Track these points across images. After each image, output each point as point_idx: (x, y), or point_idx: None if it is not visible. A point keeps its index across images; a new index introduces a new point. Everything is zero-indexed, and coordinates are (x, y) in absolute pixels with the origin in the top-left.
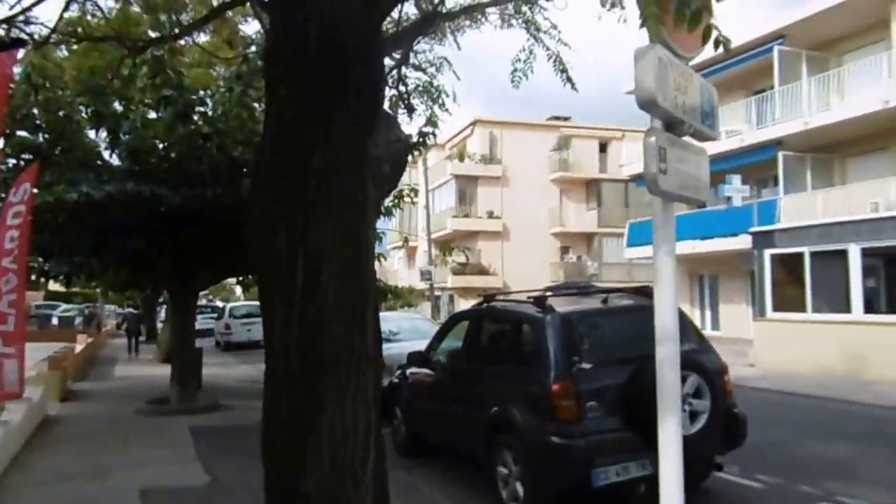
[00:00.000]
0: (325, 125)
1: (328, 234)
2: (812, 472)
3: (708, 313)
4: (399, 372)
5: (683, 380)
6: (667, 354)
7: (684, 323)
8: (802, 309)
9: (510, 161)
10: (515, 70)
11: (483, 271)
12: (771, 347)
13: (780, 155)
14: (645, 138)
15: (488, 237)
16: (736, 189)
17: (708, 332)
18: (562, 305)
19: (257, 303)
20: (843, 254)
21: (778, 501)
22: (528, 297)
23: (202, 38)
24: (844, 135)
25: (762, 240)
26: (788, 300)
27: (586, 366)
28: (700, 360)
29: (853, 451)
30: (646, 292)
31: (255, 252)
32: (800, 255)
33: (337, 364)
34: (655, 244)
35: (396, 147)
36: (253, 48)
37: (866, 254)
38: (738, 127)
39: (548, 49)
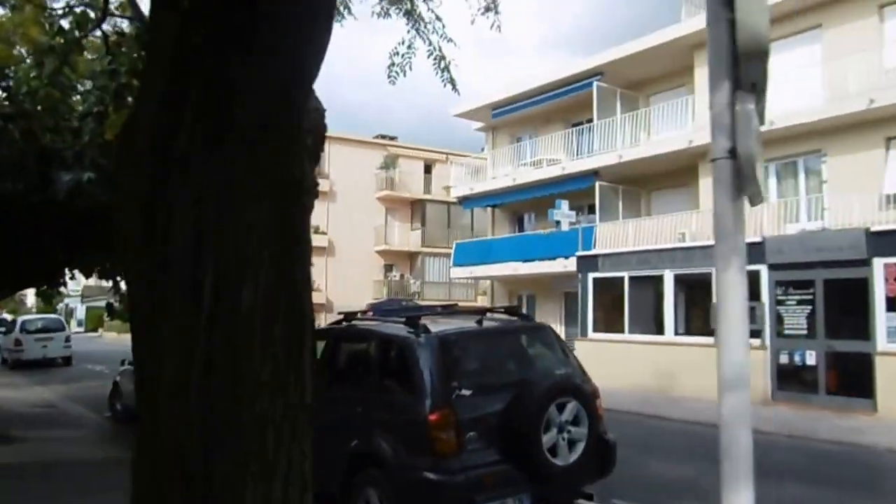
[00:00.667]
0: (243, 61)
1: (250, 231)
2: (664, 492)
3: None
4: None
5: (563, 406)
6: (737, 404)
7: (558, 343)
8: (621, 329)
9: (337, 176)
10: (393, 64)
11: None
12: (592, 366)
13: (597, 184)
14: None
15: (313, 253)
16: (564, 214)
17: None
18: (435, 326)
19: (54, 316)
20: (658, 279)
21: None
22: (400, 317)
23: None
24: (651, 170)
25: (586, 263)
26: (609, 321)
27: (465, 392)
28: (578, 385)
29: (692, 468)
30: (515, 312)
31: (129, 259)
32: (620, 279)
33: (261, 429)
34: (723, 257)
35: (315, 117)
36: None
37: (678, 279)
38: (557, 156)
39: (430, 44)
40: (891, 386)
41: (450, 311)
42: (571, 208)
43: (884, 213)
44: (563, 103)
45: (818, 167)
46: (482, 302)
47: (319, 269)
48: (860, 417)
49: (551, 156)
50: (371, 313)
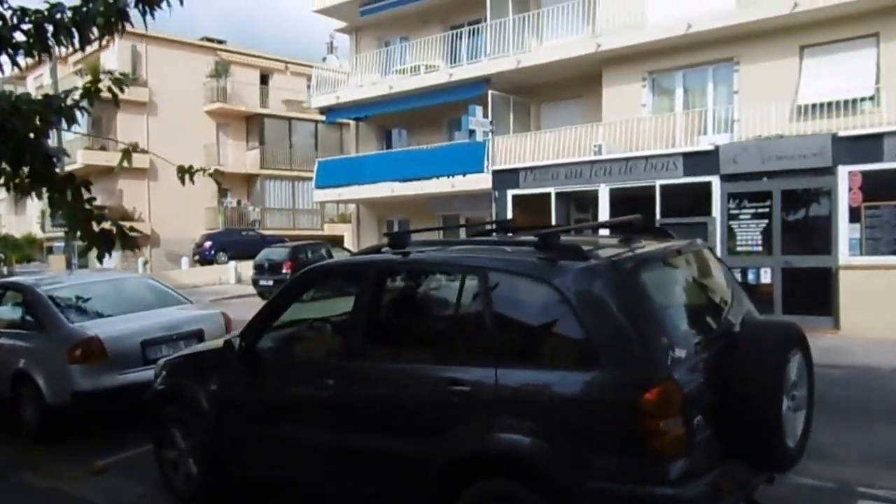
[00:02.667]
0: None
1: None
2: None
3: None
4: (166, 373)
5: (787, 361)
6: None
7: (724, 267)
8: None
9: (158, 85)
10: None
11: (126, 216)
12: None
13: (490, 94)
14: None
15: (131, 175)
16: (479, 122)
17: None
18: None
19: None
20: (591, 195)
21: None
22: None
23: None
24: (545, 78)
25: (503, 179)
26: None
27: (680, 353)
28: (799, 329)
29: None
30: (663, 232)
31: None
32: (545, 197)
33: None
34: None
35: None
36: None
37: (616, 195)
38: (435, 62)
39: None
40: (853, 301)
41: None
42: (455, 120)
43: (795, 124)
44: (443, 1)
45: (730, 77)
46: (343, 232)
47: (140, 195)
48: (824, 336)
49: (428, 61)
50: (209, 243)
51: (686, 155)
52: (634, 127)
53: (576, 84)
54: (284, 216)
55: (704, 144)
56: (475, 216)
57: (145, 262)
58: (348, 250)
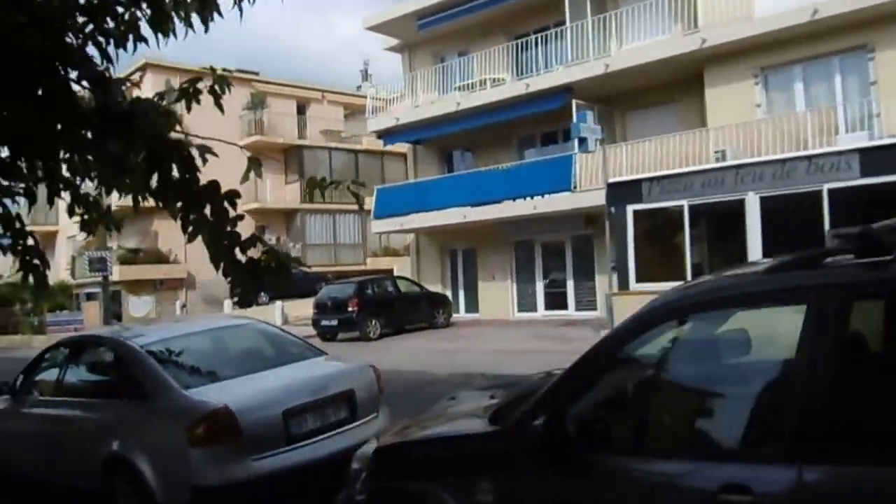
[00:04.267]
0: None
1: None
2: None
3: (461, 294)
4: (372, 471)
5: None
6: None
7: None
8: (680, 276)
9: (192, 119)
10: None
11: (161, 258)
12: None
13: (574, 104)
14: None
15: (165, 215)
16: (590, 128)
17: (462, 315)
18: None
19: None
20: (736, 206)
21: None
22: None
23: None
24: (633, 84)
25: (620, 193)
26: (659, 267)
27: None
28: None
29: None
30: None
31: None
32: (676, 211)
33: None
34: None
35: None
36: None
37: (768, 204)
38: (501, 75)
39: None
40: None
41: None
42: (527, 137)
43: None
44: (507, 10)
45: (863, 67)
46: (398, 265)
47: (175, 236)
48: None
49: (494, 74)
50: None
51: (863, 151)
52: (753, 129)
53: (668, 88)
54: (326, 251)
55: (844, 143)
56: (553, 240)
57: (183, 306)
58: (416, 283)
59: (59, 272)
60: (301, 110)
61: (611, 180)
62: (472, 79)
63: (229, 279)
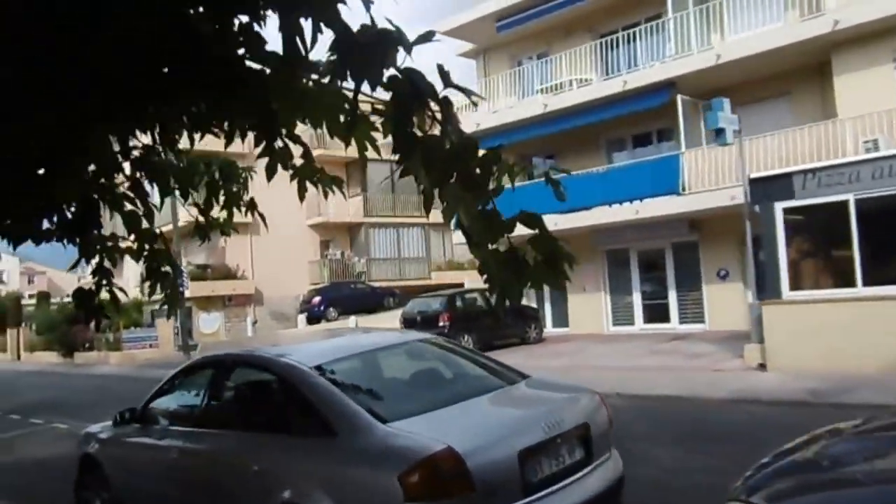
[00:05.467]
0: None
1: None
2: None
3: (548, 307)
4: None
5: None
6: None
7: None
8: (848, 282)
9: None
10: None
11: (230, 274)
12: (792, 340)
13: (679, 99)
14: None
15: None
16: (728, 118)
17: (551, 330)
18: None
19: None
20: None
21: None
22: None
23: None
24: (744, 75)
25: (768, 189)
26: (819, 273)
27: None
28: None
29: None
30: None
31: None
32: (840, 207)
33: None
34: None
35: None
36: None
37: None
38: (586, 75)
39: None
40: None
41: None
42: (616, 140)
43: None
44: (593, 8)
45: None
46: (469, 279)
47: (243, 251)
48: None
49: (579, 75)
50: (318, 299)
51: None
52: None
53: (781, 79)
54: (390, 266)
55: None
56: (651, 247)
57: (254, 322)
58: None
59: (129, 288)
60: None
61: (753, 175)
62: (555, 80)
63: (485, 276)
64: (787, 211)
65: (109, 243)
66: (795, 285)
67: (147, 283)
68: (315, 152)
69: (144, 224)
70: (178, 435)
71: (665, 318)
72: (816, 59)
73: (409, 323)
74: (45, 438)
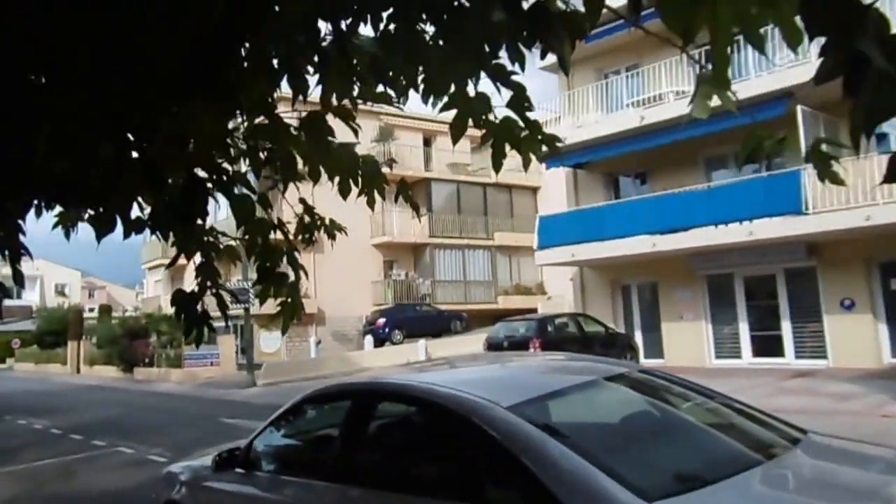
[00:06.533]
0: None
1: None
2: None
3: (638, 335)
4: None
5: None
6: None
7: None
8: None
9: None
10: None
11: None
12: None
13: (799, 110)
14: None
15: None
16: (891, 123)
17: (643, 360)
18: None
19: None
20: None
21: None
22: None
23: None
24: None
25: None
26: None
27: None
28: None
29: None
30: None
31: None
32: None
33: None
34: None
35: None
36: None
37: None
38: (681, 87)
39: None
40: None
41: None
42: (716, 157)
43: None
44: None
45: None
46: (541, 305)
47: (306, 269)
48: None
49: (676, 87)
50: (383, 320)
51: None
52: None
53: None
54: (456, 288)
55: None
56: (760, 273)
57: (318, 342)
58: (599, 321)
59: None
60: (427, 142)
61: None
62: (648, 94)
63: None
64: None
65: (211, 237)
66: None
67: (259, 288)
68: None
69: (259, 212)
70: (300, 489)
71: (779, 351)
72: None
73: (494, 348)
74: (111, 464)
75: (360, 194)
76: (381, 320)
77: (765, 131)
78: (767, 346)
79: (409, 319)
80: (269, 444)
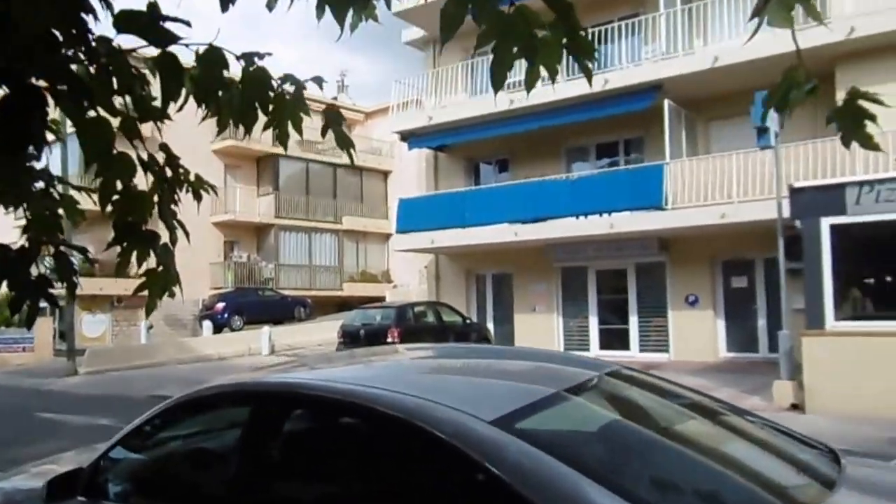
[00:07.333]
0: None
1: None
2: None
3: (492, 326)
4: None
5: None
6: None
7: None
8: None
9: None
10: None
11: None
12: (836, 378)
13: (666, 104)
14: None
15: None
16: (775, 119)
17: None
18: None
19: None
20: None
21: None
22: None
23: None
24: (725, 86)
25: (813, 203)
26: (874, 300)
27: None
28: None
29: None
30: None
31: None
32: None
33: None
34: None
35: None
36: None
37: None
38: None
39: None
40: None
41: None
42: (577, 148)
43: None
44: None
45: None
46: (393, 294)
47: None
48: None
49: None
50: (222, 305)
51: None
52: None
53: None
54: (301, 273)
55: None
56: (612, 267)
57: (150, 328)
58: (458, 312)
59: None
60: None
61: (797, 184)
62: (515, 77)
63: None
64: (835, 229)
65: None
66: (844, 314)
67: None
68: (225, 143)
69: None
70: None
71: (624, 344)
72: (813, 74)
73: (350, 337)
74: None
75: (267, 126)
76: (220, 305)
77: (801, 75)
78: (614, 339)
79: (251, 304)
80: (126, 462)
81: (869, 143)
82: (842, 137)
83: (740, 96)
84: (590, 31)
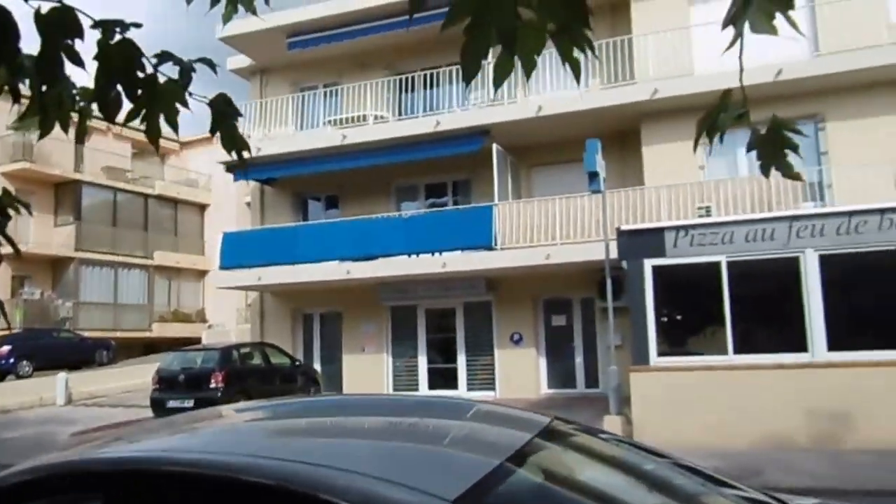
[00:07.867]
0: None
1: None
2: None
3: (318, 367)
4: None
5: None
6: None
7: None
8: (719, 349)
9: None
10: None
11: None
12: (662, 411)
13: (494, 148)
14: None
15: None
16: (601, 163)
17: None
18: None
19: None
20: (789, 263)
21: None
22: None
23: None
24: (549, 134)
25: (637, 245)
26: (688, 339)
27: None
28: None
29: None
30: None
31: None
32: (711, 268)
33: None
34: None
35: None
36: None
37: (828, 262)
38: (381, 112)
39: None
40: None
41: None
42: (407, 188)
43: None
44: (397, 43)
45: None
46: (209, 335)
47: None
48: None
49: (376, 111)
50: (7, 348)
51: None
52: (737, 186)
53: (579, 145)
54: (104, 312)
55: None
56: (441, 306)
57: None
58: (287, 353)
59: None
60: (80, 138)
61: (624, 227)
62: (347, 113)
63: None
64: (657, 270)
65: None
66: (665, 350)
67: None
68: (17, 165)
69: None
70: None
71: (452, 383)
72: (621, 129)
73: (167, 383)
74: None
75: (130, 117)
76: (5, 348)
77: (730, 101)
78: (443, 378)
79: (43, 348)
80: None
81: (789, 172)
82: (761, 166)
83: (562, 144)
84: (419, 73)
